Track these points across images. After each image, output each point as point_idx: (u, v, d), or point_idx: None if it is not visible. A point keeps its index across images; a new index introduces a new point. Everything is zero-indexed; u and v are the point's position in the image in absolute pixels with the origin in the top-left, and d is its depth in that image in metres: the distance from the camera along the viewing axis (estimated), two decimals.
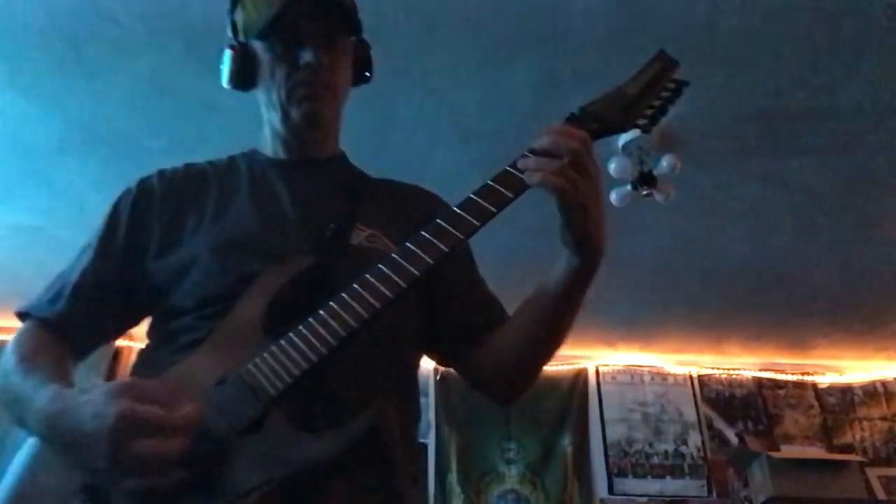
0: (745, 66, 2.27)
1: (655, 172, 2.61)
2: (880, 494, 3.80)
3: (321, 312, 0.78)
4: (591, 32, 2.16)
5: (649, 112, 0.91)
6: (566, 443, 4.02)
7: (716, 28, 2.13)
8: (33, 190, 2.99)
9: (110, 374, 3.78)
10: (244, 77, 1.03)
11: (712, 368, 4.35)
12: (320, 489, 0.76)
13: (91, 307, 0.94)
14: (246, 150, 1.12)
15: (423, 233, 0.82)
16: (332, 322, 0.77)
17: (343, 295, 0.79)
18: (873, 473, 3.88)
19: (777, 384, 4.33)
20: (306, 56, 0.95)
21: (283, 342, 0.78)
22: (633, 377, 4.31)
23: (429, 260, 0.80)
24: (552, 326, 0.91)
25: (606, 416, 4.14)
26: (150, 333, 0.95)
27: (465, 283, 1.05)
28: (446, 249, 0.81)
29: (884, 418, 4.23)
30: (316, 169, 1.05)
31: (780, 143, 2.62)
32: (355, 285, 0.79)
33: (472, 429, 4.00)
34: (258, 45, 1.00)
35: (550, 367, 4.19)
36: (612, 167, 2.64)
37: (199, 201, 0.99)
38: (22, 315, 0.96)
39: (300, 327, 0.78)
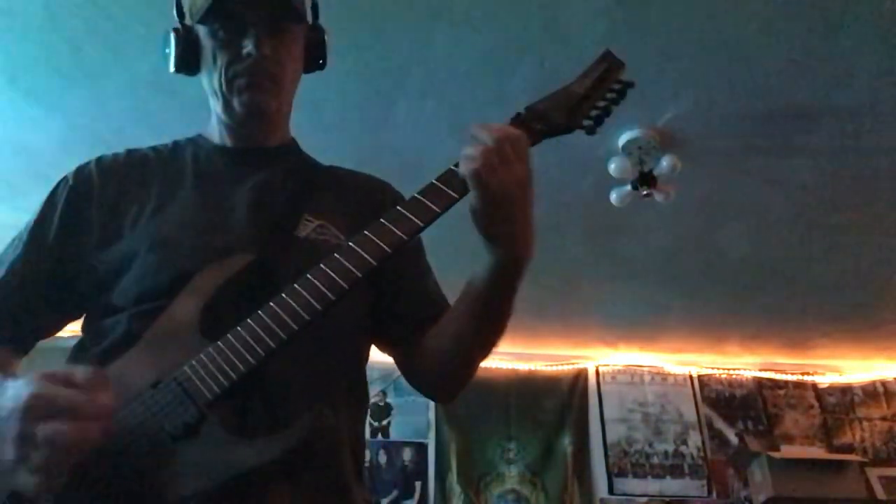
0: (745, 66, 2.27)
1: (655, 172, 2.61)
2: (880, 494, 3.80)
3: (260, 313, 0.75)
4: (591, 32, 2.16)
5: (593, 113, 0.91)
6: (566, 443, 4.02)
7: (716, 28, 2.13)
8: (33, 190, 2.98)
9: None
10: (188, 61, 1.00)
11: (712, 368, 4.35)
12: (260, 493, 0.73)
13: (17, 304, 0.90)
14: (191, 135, 1.09)
15: (366, 232, 0.80)
16: (270, 323, 0.74)
17: (283, 295, 0.76)
18: (873, 473, 3.88)
19: (777, 384, 4.33)
20: (248, 45, 0.91)
21: (220, 344, 0.75)
22: (633, 377, 4.31)
23: (371, 260, 0.78)
24: (479, 322, 0.88)
25: (606, 416, 4.14)
26: (84, 328, 0.91)
27: (412, 275, 1.02)
28: (389, 250, 0.79)
29: (884, 418, 4.23)
30: (263, 158, 1.01)
31: (780, 143, 2.62)
32: (296, 285, 0.76)
33: (472, 429, 4.00)
34: (201, 30, 0.97)
35: (550, 367, 4.22)
36: (612, 167, 2.64)
37: (141, 191, 0.95)
38: None
39: (238, 328, 0.75)
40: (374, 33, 2.16)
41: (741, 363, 4.40)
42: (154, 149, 1.05)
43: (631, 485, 3.93)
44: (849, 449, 4.04)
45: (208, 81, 0.99)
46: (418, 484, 3.84)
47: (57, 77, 2.35)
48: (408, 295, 1.00)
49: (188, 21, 0.99)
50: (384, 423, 3.98)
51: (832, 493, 3.44)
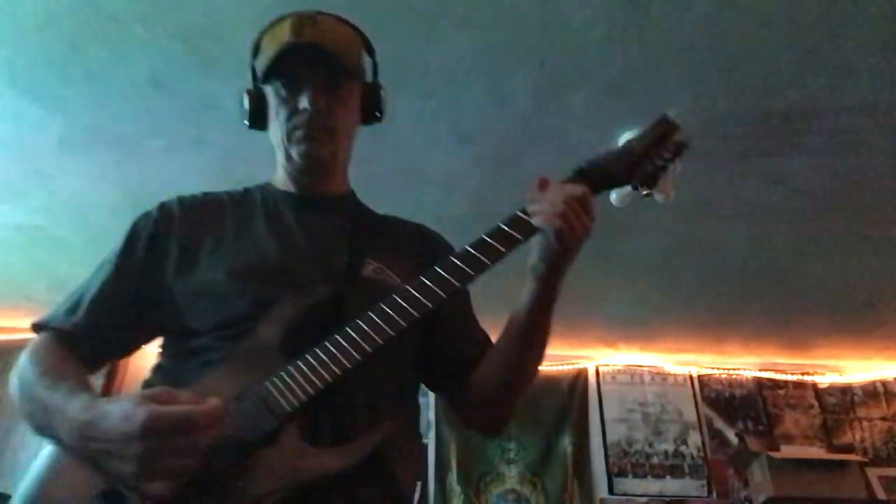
0: (745, 65, 2.27)
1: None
2: (880, 494, 3.80)
3: (337, 336, 0.84)
4: (591, 32, 2.16)
5: (650, 169, 1.02)
6: (566, 443, 4.02)
7: (715, 28, 2.13)
8: (33, 190, 2.99)
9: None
10: (258, 117, 1.12)
11: (712, 368, 4.35)
12: (324, 500, 0.80)
13: (107, 320, 0.99)
14: (260, 182, 1.19)
15: (436, 268, 0.89)
16: (346, 346, 0.83)
17: (359, 321, 0.85)
18: (873, 473, 3.88)
19: (777, 384, 4.33)
20: (303, 101, 1.02)
21: (299, 362, 0.84)
22: (633, 377, 4.31)
23: (441, 293, 0.87)
24: (523, 353, 0.98)
25: (606, 416, 4.14)
26: (165, 351, 0.99)
27: (462, 317, 1.12)
28: (458, 285, 0.88)
29: (884, 418, 4.23)
30: (325, 204, 1.11)
31: (780, 143, 2.62)
32: (370, 313, 0.86)
33: None
34: (267, 89, 1.09)
35: (550, 367, 4.22)
36: None
37: (217, 226, 1.04)
38: (38, 327, 1.00)
39: (316, 349, 0.84)
40: (374, 33, 2.16)
41: (741, 363, 4.40)
42: (228, 193, 1.15)
43: (631, 485, 3.93)
44: (849, 449, 4.04)
45: (273, 135, 1.10)
46: (418, 484, 3.83)
47: (57, 77, 2.35)
48: (456, 336, 1.08)
49: (258, 83, 1.11)
50: None
51: (832, 493, 3.44)
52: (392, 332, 0.84)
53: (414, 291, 0.87)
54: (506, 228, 0.92)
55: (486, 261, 0.89)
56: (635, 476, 3.95)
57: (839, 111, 2.44)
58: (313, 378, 0.82)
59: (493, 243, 0.90)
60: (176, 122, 2.56)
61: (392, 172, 2.77)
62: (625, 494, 3.89)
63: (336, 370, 0.82)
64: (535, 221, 0.90)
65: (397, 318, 0.85)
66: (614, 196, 3.14)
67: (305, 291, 0.92)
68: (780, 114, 2.46)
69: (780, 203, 2.95)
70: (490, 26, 2.15)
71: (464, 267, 0.89)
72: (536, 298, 0.94)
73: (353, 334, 0.84)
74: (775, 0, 2.03)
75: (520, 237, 0.91)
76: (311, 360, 0.83)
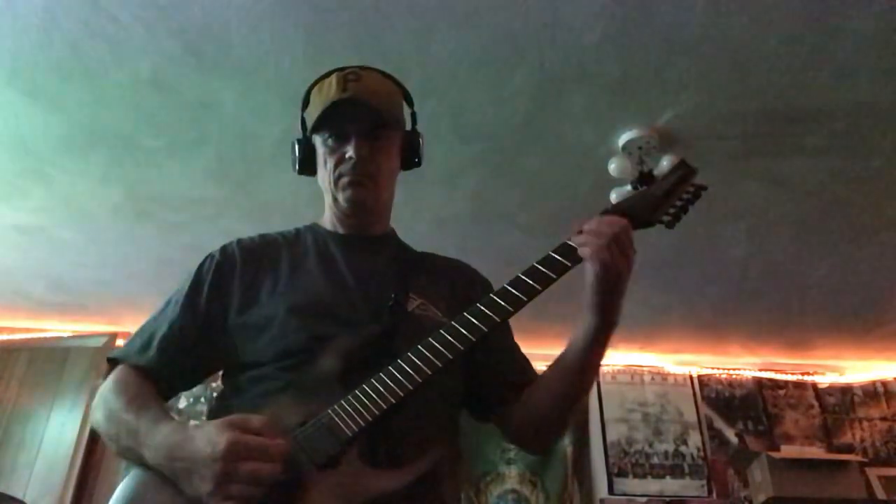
0: (745, 65, 2.27)
1: (655, 172, 2.61)
2: (880, 494, 3.80)
3: (391, 368, 0.92)
4: (591, 32, 2.16)
5: (672, 211, 1.07)
6: (566, 442, 4.01)
7: (715, 28, 2.13)
8: (33, 190, 2.99)
9: None
10: (307, 165, 1.23)
11: (712, 368, 4.35)
12: None
13: (177, 357, 1.09)
14: (309, 223, 1.28)
15: (478, 305, 0.95)
16: (400, 377, 0.91)
17: (410, 354, 0.93)
18: (873, 473, 3.88)
19: (777, 384, 4.33)
20: (349, 150, 1.12)
21: (357, 392, 0.91)
22: (633, 377, 4.31)
23: (497, 318, 0.94)
24: (577, 380, 1.05)
25: (606, 416, 4.14)
26: (227, 381, 1.09)
27: (505, 346, 1.21)
28: (497, 320, 0.94)
29: (884, 418, 4.23)
30: (369, 245, 1.21)
31: (780, 143, 2.62)
32: (420, 346, 0.93)
33: (472, 429, 3.98)
34: (316, 139, 1.20)
35: None
36: (612, 167, 2.64)
37: (274, 266, 1.14)
38: (113, 361, 1.11)
39: (373, 380, 0.92)
40: (374, 33, 2.16)
41: (741, 363, 4.40)
42: (281, 234, 1.24)
43: (631, 485, 3.93)
44: (849, 449, 4.04)
45: (322, 181, 1.20)
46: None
47: (57, 77, 2.35)
48: (501, 363, 1.17)
49: (308, 132, 1.21)
50: None
51: (832, 493, 3.44)
52: (440, 364, 0.91)
53: (459, 327, 0.94)
54: (554, 255, 0.98)
55: (523, 297, 0.95)
56: (635, 476, 3.95)
57: (839, 111, 2.44)
58: (371, 406, 0.89)
59: (530, 281, 0.96)
60: (176, 122, 2.56)
61: None
62: (625, 494, 3.89)
63: (391, 399, 0.89)
64: (582, 252, 0.96)
65: (445, 350, 0.92)
66: (614, 196, 3.13)
67: (359, 328, 1.01)
68: (780, 114, 2.46)
69: (780, 203, 2.95)
70: (490, 26, 2.15)
71: (503, 304, 0.95)
72: (592, 333, 0.99)
73: (407, 366, 0.92)
74: (775, 0, 2.03)
75: (568, 263, 0.97)
76: (369, 389, 0.91)
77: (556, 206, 2.95)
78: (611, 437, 4.07)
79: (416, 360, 0.92)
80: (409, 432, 0.95)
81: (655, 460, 4.00)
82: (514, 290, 0.95)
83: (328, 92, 1.15)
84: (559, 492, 3.87)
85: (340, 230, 1.22)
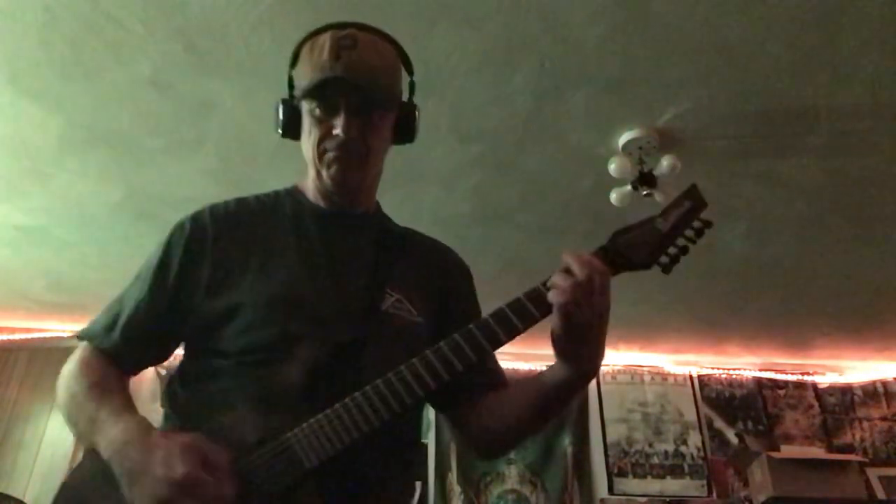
0: (745, 65, 2.27)
1: (655, 172, 2.61)
2: (880, 494, 3.80)
3: (359, 396, 0.89)
4: (591, 32, 2.16)
5: (672, 251, 1.00)
6: (566, 443, 4.02)
7: (715, 28, 2.13)
8: (33, 190, 2.99)
9: None
10: (291, 129, 1.13)
11: (712, 368, 4.35)
12: None
13: (142, 339, 1.05)
14: (289, 186, 1.20)
15: (456, 336, 0.92)
16: (367, 410, 0.88)
17: (379, 384, 0.89)
18: (873, 473, 3.88)
19: (777, 384, 4.33)
20: (337, 126, 1.03)
21: (322, 418, 0.88)
22: (633, 377, 4.31)
23: (458, 366, 0.90)
24: (539, 415, 1.02)
25: (606, 416, 4.15)
26: (189, 365, 1.04)
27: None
28: (475, 359, 0.91)
29: (884, 418, 4.23)
30: (350, 223, 1.13)
31: (780, 143, 2.62)
32: (392, 378, 0.90)
33: None
34: (303, 105, 1.09)
35: None
36: (612, 167, 2.64)
37: (248, 243, 1.07)
38: (80, 338, 1.08)
39: (339, 407, 0.88)
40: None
41: (741, 363, 4.40)
42: (258, 198, 1.17)
43: (631, 485, 3.93)
44: (849, 449, 4.04)
45: (305, 150, 1.11)
46: (418, 484, 3.84)
47: (57, 77, 2.35)
48: (471, 366, 1.11)
49: (295, 93, 1.11)
50: None
51: (832, 493, 3.44)
52: (409, 401, 0.89)
53: (434, 359, 0.91)
54: (525, 301, 0.92)
55: (502, 337, 0.91)
56: (635, 476, 3.95)
57: (839, 111, 2.44)
58: (334, 439, 0.86)
59: (512, 317, 0.91)
60: (176, 122, 2.56)
61: (392, 172, 2.77)
62: (625, 494, 3.89)
63: (355, 434, 0.87)
64: (550, 297, 0.89)
65: (416, 386, 0.89)
66: (614, 196, 3.13)
67: (328, 330, 0.96)
68: (780, 114, 2.46)
69: (780, 203, 2.95)
70: (490, 26, 2.15)
71: (481, 341, 0.91)
72: (564, 380, 0.94)
73: (376, 398, 0.89)
74: (775, 0, 2.03)
75: (538, 315, 0.91)
76: (335, 418, 0.88)
77: (556, 206, 2.95)
78: (611, 437, 4.07)
79: (385, 391, 0.89)
80: (370, 462, 0.92)
81: (655, 460, 4.01)
82: (494, 326, 0.91)
83: (319, 57, 1.04)
84: (559, 492, 3.87)
85: (322, 204, 1.13)
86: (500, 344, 0.92)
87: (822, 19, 2.08)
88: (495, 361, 1.15)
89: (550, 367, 0.96)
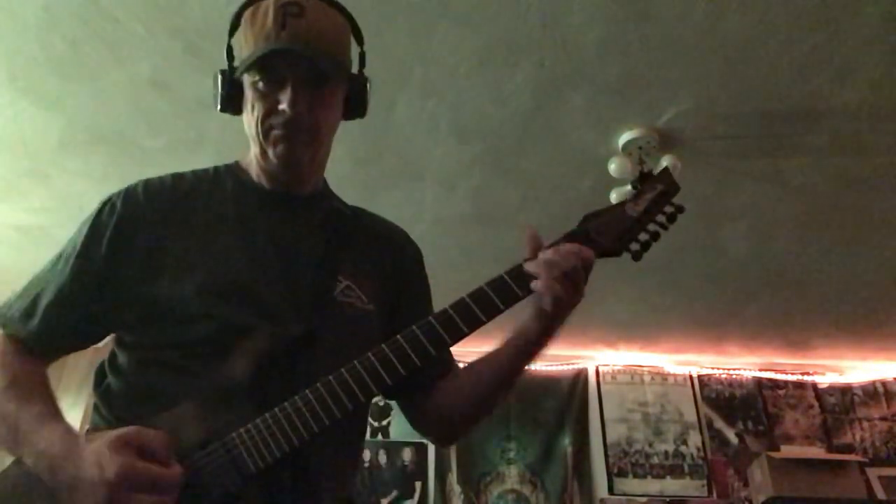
0: (745, 65, 2.27)
1: (655, 172, 2.61)
2: (880, 494, 3.80)
3: (310, 393, 0.83)
4: (591, 32, 2.16)
5: (643, 238, 0.96)
6: (566, 443, 4.02)
7: (715, 28, 2.13)
8: (33, 190, 2.99)
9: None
10: (231, 103, 1.04)
11: (712, 368, 4.35)
12: None
13: (63, 327, 0.96)
14: (230, 162, 1.12)
15: (414, 328, 0.88)
16: (317, 408, 0.83)
17: (331, 380, 0.84)
18: (873, 473, 3.88)
19: (777, 384, 4.33)
20: (283, 101, 0.94)
21: (268, 418, 0.82)
22: (633, 377, 4.31)
23: (417, 360, 0.87)
24: (496, 396, 1.01)
25: (606, 416, 4.14)
26: (122, 354, 0.95)
27: None
28: (434, 352, 0.88)
29: (884, 418, 4.23)
30: (298, 205, 1.05)
31: (780, 143, 2.62)
32: (344, 373, 0.85)
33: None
34: (245, 78, 1.00)
35: (550, 367, 4.22)
36: (612, 167, 2.64)
37: (185, 225, 0.98)
38: None
39: (288, 405, 0.83)
40: (374, 33, 2.16)
41: (741, 363, 4.40)
42: (195, 174, 1.07)
43: (631, 485, 3.93)
44: (849, 449, 4.04)
45: (248, 126, 1.03)
46: (418, 484, 3.84)
47: (57, 77, 2.35)
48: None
49: (234, 65, 1.02)
50: (384, 423, 3.98)
51: (832, 493, 3.44)
52: (362, 398, 0.85)
53: (390, 353, 0.87)
54: (507, 278, 0.91)
55: (464, 329, 0.89)
56: (635, 476, 3.95)
57: (839, 111, 2.44)
58: (282, 440, 0.81)
59: (476, 309, 0.89)
60: (176, 122, 2.56)
61: (392, 172, 2.77)
62: (625, 494, 3.89)
63: (305, 434, 0.82)
64: (534, 286, 0.89)
65: (370, 382, 0.85)
66: (614, 196, 3.13)
67: (276, 321, 0.90)
68: (780, 114, 2.46)
69: (780, 203, 2.95)
70: (490, 26, 2.15)
71: (441, 333, 0.89)
72: (523, 353, 0.94)
73: (326, 395, 0.84)
74: (775, 0, 2.03)
75: (521, 294, 0.91)
76: (282, 418, 0.82)
77: (556, 206, 2.95)
78: (611, 437, 4.07)
79: (337, 388, 0.84)
80: (319, 463, 0.88)
81: (655, 460, 4.00)
82: (456, 317, 0.87)
83: (262, 26, 0.94)
84: (559, 492, 3.87)
85: (266, 185, 1.04)
86: (479, 324, 0.89)
87: (822, 19, 2.08)
88: (449, 352, 1.10)
89: (504, 348, 0.95)
